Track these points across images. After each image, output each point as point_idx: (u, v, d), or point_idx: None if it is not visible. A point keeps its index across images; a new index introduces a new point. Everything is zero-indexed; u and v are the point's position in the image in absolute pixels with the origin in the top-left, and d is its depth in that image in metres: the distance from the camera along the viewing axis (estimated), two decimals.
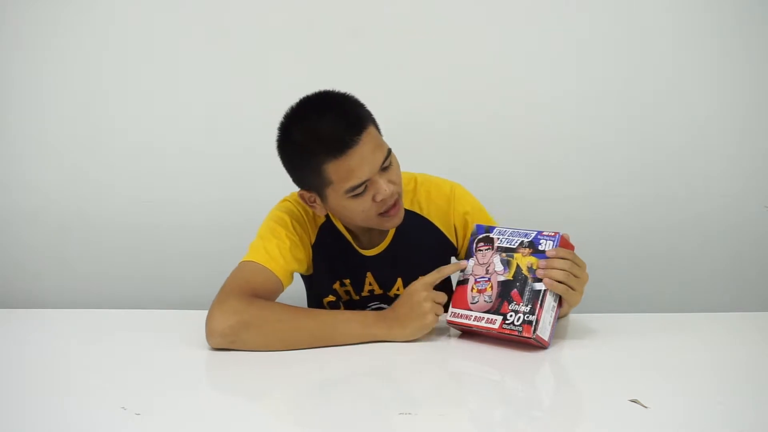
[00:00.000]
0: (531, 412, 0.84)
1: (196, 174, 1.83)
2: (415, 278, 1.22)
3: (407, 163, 1.31)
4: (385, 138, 1.15)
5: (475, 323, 1.07)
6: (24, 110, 1.82)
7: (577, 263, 1.04)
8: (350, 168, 1.04)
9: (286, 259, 1.16)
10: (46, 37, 1.79)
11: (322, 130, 1.05)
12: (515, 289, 1.05)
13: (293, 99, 1.13)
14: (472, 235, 1.13)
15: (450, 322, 1.10)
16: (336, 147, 1.04)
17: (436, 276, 1.09)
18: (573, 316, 1.21)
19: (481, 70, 1.79)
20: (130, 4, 1.78)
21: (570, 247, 1.07)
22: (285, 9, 1.77)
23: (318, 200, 1.13)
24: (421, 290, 1.06)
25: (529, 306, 1.03)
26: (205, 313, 1.05)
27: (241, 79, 1.80)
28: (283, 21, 1.78)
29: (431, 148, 1.80)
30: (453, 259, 1.31)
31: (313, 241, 1.23)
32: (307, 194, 1.14)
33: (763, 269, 1.85)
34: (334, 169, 1.05)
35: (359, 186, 1.06)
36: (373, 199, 1.08)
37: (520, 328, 1.02)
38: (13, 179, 1.84)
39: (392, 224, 1.15)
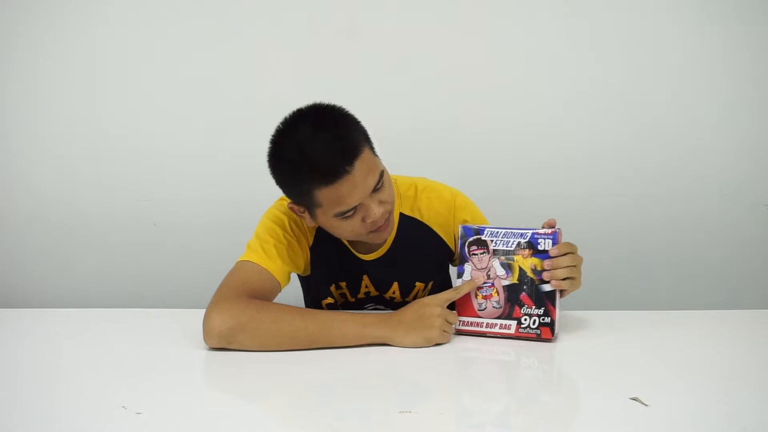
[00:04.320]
0: (529, 412, 0.85)
1: (194, 173, 1.86)
2: (412, 283, 1.27)
3: (405, 164, 1.35)
4: (381, 140, 1.16)
5: (489, 330, 1.10)
6: (23, 110, 1.84)
7: (574, 252, 1.08)
8: (341, 195, 1.05)
9: (283, 260, 1.18)
10: (45, 37, 1.81)
11: (314, 155, 1.04)
12: (524, 293, 1.08)
13: (291, 97, 1.13)
14: (461, 239, 1.13)
15: (459, 331, 1.12)
16: (327, 175, 1.04)
17: (452, 295, 1.10)
18: (572, 313, 1.24)
19: (480, 69, 1.83)
20: (128, 4, 1.81)
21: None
22: (283, 10, 1.80)
23: (307, 214, 1.15)
24: (436, 306, 1.07)
25: (543, 308, 1.07)
26: (204, 312, 1.07)
27: (239, 78, 1.83)
28: (282, 21, 1.81)
29: (430, 148, 1.83)
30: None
31: (311, 242, 1.25)
32: (296, 207, 1.15)
33: (762, 267, 1.88)
34: (324, 194, 1.06)
35: (348, 211, 1.08)
36: (363, 220, 1.10)
37: (539, 331, 1.07)
38: (12, 179, 1.86)
39: (381, 239, 1.17)
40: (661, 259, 1.90)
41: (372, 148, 1.11)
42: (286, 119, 1.10)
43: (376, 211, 1.08)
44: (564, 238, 1.09)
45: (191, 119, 1.84)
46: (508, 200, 1.74)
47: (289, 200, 1.15)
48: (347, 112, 1.11)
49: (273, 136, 1.10)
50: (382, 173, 1.10)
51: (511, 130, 1.84)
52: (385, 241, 1.23)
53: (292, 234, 1.21)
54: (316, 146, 1.04)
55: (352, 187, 1.05)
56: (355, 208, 1.07)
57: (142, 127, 1.84)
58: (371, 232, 1.12)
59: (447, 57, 1.81)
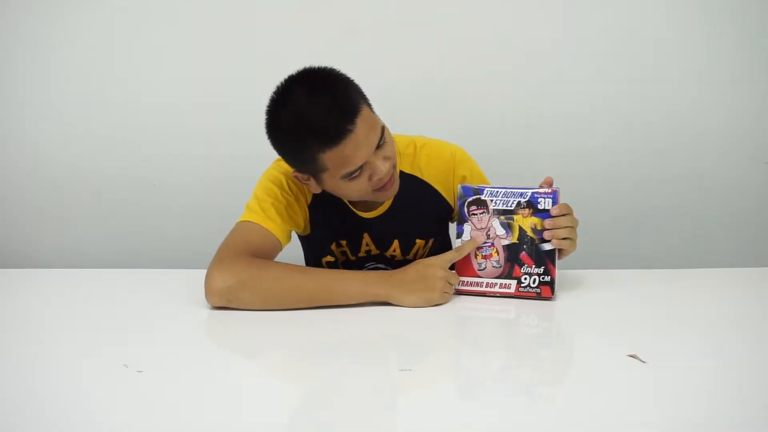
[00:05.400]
0: (528, 369, 0.86)
1: (195, 131, 1.86)
2: (412, 240, 1.30)
3: (405, 123, 1.34)
4: (379, 99, 1.15)
5: (488, 290, 1.11)
6: (23, 67, 1.82)
7: (571, 213, 1.10)
8: (346, 156, 1.05)
9: (282, 218, 1.19)
10: None
11: (313, 119, 1.04)
12: (524, 252, 1.09)
13: (292, 47, 1.10)
14: (459, 198, 1.14)
15: (459, 291, 1.13)
16: (330, 138, 1.03)
17: (454, 255, 1.11)
18: (572, 271, 1.25)
19: (477, 24, 1.82)
20: None
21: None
22: None
23: (312, 180, 1.14)
24: (439, 269, 1.08)
25: (543, 267, 1.09)
26: (205, 271, 1.08)
27: (238, 34, 1.81)
28: None
29: (428, 105, 1.84)
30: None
31: (309, 201, 1.25)
32: (300, 175, 1.15)
33: (762, 225, 1.89)
34: (328, 157, 1.06)
35: (355, 171, 1.08)
36: (369, 178, 1.10)
37: (539, 290, 1.09)
38: (12, 136, 1.85)
39: (388, 196, 1.17)
40: (661, 218, 1.91)
41: (369, 105, 1.10)
42: (278, 88, 1.09)
43: (382, 167, 1.09)
44: (563, 197, 1.10)
45: (190, 77, 1.83)
46: (506, 158, 1.74)
47: (292, 169, 1.15)
48: (339, 72, 1.10)
49: (268, 106, 1.09)
50: (383, 129, 1.10)
51: (509, 86, 1.84)
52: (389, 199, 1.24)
53: (290, 192, 1.22)
54: (314, 110, 1.04)
55: (356, 145, 1.05)
56: (361, 167, 1.08)
57: (142, 85, 1.83)
58: (377, 190, 1.13)
59: (442, 9, 1.79)
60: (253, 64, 1.78)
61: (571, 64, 1.83)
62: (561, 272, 1.15)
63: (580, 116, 1.86)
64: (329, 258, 1.30)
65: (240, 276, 1.05)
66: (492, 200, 1.11)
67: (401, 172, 1.24)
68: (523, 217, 1.09)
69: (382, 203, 1.25)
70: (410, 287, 1.07)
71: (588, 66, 1.83)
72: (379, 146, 1.09)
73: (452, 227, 1.27)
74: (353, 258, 1.30)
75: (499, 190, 1.11)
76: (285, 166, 1.21)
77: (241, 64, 1.81)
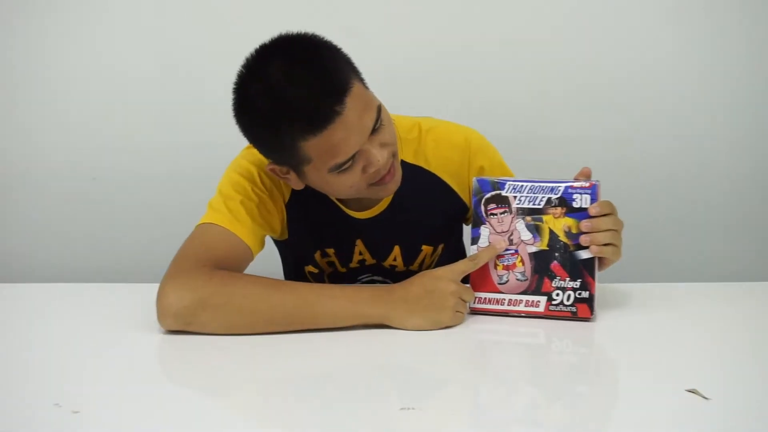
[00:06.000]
0: (562, 408, 0.81)
1: (146, 122, 1.85)
2: (418, 246, 1.26)
3: (411, 106, 1.31)
4: (376, 77, 1.10)
5: (512, 308, 1.07)
6: None
7: (614, 214, 1.04)
8: (333, 143, 1.00)
9: (254, 220, 1.13)
10: None
11: (292, 100, 0.99)
12: (555, 261, 1.05)
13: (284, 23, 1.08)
14: (474, 194, 1.08)
15: (475, 310, 1.09)
16: (314, 122, 0.98)
17: (469, 265, 1.06)
18: (613, 285, 1.21)
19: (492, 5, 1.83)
20: None
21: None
22: None
23: (293, 174, 1.09)
24: (450, 281, 1.04)
25: (579, 280, 1.04)
26: (157, 287, 1.03)
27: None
28: None
29: (436, 86, 1.83)
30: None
31: (287, 198, 1.20)
32: (278, 168, 1.10)
33: None
34: (312, 146, 1.01)
35: (346, 162, 1.03)
36: (364, 171, 1.06)
37: (574, 309, 1.05)
38: None
39: (387, 192, 1.13)
40: (724, 220, 1.89)
41: (362, 81, 1.05)
42: (248, 60, 1.03)
43: (379, 156, 1.04)
44: (603, 192, 1.05)
45: (182, 76, 1.83)
46: (530, 144, 1.73)
47: (267, 161, 1.11)
48: (324, 39, 1.04)
49: (236, 83, 1.04)
50: (379, 109, 1.04)
51: (525, 61, 1.84)
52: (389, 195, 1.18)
53: (263, 188, 1.16)
54: (293, 87, 0.98)
55: (347, 130, 0.99)
56: (353, 157, 1.03)
57: (90, 65, 1.83)
58: (374, 184, 1.08)
59: None
60: (230, 55, 1.77)
61: (603, 39, 1.84)
62: (601, 286, 1.09)
63: (618, 93, 1.85)
64: (312, 268, 1.26)
65: (200, 293, 1.00)
66: (515, 197, 1.06)
67: (403, 162, 1.18)
68: (555, 217, 1.04)
69: (379, 201, 1.20)
70: (414, 306, 1.02)
71: (624, 38, 1.84)
72: (374, 131, 1.03)
73: (466, 230, 1.23)
74: (343, 270, 1.25)
75: (525, 184, 1.06)
76: (257, 154, 1.15)
77: (215, 55, 1.78)
